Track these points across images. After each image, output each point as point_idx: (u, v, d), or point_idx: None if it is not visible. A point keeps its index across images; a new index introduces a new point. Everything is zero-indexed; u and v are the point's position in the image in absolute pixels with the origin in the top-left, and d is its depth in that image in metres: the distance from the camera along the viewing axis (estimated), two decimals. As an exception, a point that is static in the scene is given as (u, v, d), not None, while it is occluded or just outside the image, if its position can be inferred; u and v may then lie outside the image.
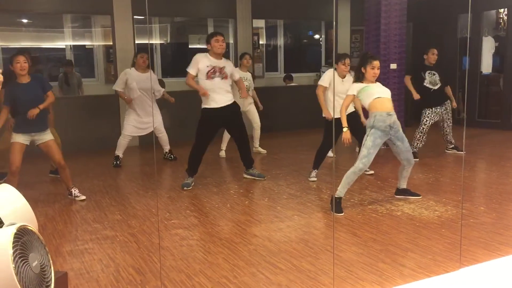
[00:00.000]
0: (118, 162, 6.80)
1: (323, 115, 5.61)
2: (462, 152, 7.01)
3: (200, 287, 3.10)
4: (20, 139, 4.86)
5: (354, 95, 4.67)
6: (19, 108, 4.86)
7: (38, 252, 2.17)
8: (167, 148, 7.13)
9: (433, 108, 6.79)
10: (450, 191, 5.21)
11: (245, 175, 5.94)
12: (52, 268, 2.25)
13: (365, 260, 3.45)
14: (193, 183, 5.56)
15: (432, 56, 6.82)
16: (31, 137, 4.91)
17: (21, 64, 4.74)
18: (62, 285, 2.52)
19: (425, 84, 6.78)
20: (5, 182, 4.80)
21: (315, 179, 5.72)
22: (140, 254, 3.68)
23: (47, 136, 4.97)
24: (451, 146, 7.17)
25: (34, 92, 4.86)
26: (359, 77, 4.69)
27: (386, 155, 7.15)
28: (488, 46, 9.76)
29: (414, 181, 5.69)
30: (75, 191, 5.17)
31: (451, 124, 6.97)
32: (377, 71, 4.62)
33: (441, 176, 5.86)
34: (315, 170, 5.76)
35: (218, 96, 5.41)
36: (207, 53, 5.45)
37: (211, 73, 5.35)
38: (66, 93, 8.73)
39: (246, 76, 7.07)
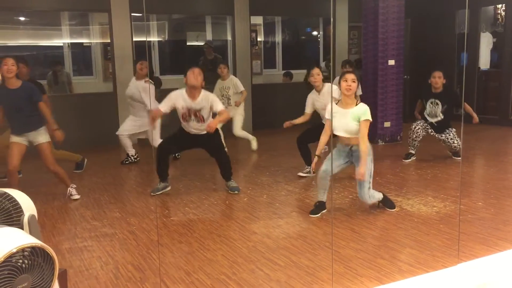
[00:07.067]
0: (128, 160, 6.81)
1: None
2: (458, 158, 6.37)
3: (199, 283, 3.11)
4: (17, 139, 4.84)
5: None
6: (5, 113, 4.80)
7: (38, 274, 1.82)
8: None
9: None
10: (448, 187, 5.22)
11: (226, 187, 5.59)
12: None
13: (364, 256, 3.45)
14: (167, 188, 5.32)
15: (434, 80, 6.09)
16: (26, 137, 4.85)
17: (8, 66, 4.57)
18: (61, 282, 2.52)
19: (424, 114, 6.25)
20: (6, 182, 4.84)
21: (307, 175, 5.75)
22: (139, 251, 3.68)
23: (41, 138, 4.86)
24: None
25: (20, 101, 4.69)
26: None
27: (383, 152, 7.18)
28: (486, 42, 9.78)
29: (413, 177, 5.71)
30: (71, 190, 5.15)
31: (459, 146, 6.19)
32: (352, 84, 4.10)
33: (439, 172, 5.87)
34: (308, 167, 5.80)
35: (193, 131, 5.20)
36: (184, 91, 5.06)
37: (186, 116, 5.05)
38: (55, 92, 8.71)
39: (226, 85, 6.90)
